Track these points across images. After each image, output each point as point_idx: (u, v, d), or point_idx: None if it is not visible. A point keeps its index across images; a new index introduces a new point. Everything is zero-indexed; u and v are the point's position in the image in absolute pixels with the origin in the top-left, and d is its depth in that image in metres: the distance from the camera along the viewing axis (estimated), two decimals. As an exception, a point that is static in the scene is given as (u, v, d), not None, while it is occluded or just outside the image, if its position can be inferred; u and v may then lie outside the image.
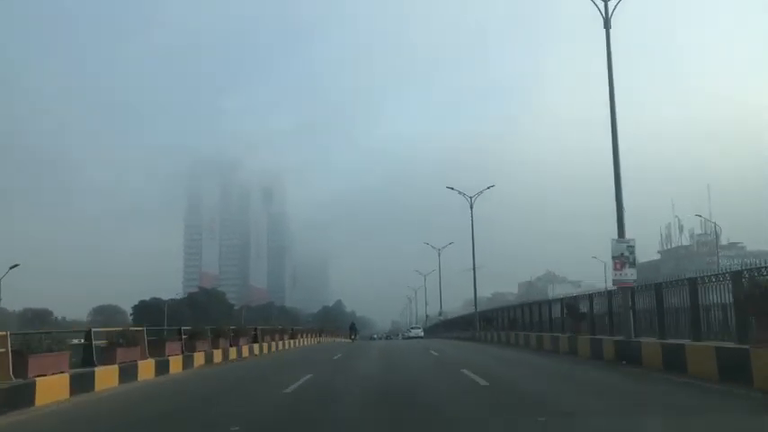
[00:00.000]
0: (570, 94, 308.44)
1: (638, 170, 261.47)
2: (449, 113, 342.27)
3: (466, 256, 40.56)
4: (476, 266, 36.78)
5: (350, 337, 48.27)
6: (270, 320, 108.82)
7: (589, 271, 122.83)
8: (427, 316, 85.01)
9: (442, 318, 60.67)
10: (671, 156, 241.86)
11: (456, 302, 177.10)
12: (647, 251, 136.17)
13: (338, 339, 58.97)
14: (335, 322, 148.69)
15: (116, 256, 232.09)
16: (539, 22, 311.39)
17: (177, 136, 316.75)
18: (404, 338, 67.44)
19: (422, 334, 64.26)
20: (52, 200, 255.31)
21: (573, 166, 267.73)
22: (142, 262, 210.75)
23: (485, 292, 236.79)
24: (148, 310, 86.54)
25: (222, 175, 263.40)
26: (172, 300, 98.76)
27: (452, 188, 36.95)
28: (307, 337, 38.98)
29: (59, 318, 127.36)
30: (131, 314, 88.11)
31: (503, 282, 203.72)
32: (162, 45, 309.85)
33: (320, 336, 45.33)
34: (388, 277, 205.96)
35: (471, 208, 36.44)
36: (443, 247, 60.92)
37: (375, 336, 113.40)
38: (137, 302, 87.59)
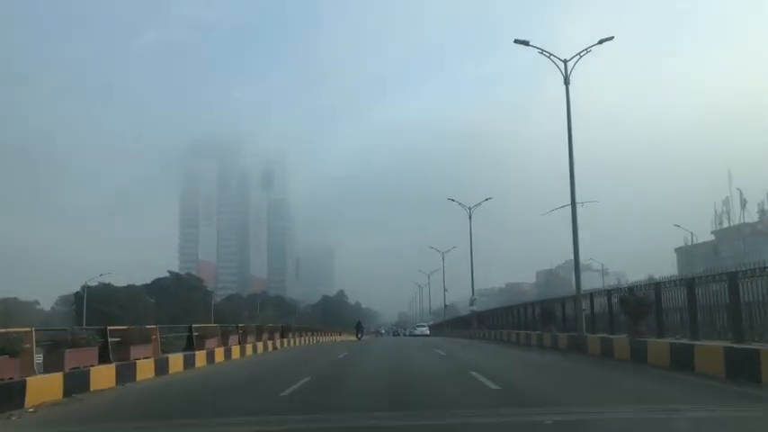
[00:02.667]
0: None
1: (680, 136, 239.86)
2: (463, 96, 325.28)
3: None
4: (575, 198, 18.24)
5: (356, 336, 47.31)
6: (255, 314, 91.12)
7: (613, 258, 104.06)
8: (446, 305, 66.60)
9: (475, 308, 41.59)
10: (726, 118, 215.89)
11: (467, 293, 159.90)
12: (698, 232, 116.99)
13: (323, 339, 41.15)
14: (337, 315, 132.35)
15: (110, 244, 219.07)
16: None
17: (175, 121, 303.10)
18: (409, 335, 65.64)
19: (427, 332, 60.94)
20: (44, 186, 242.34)
21: (595, 146, 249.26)
22: (137, 249, 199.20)
23: (497, 281, 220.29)
24: (93, 299, 68.60)
25: (220, 159, 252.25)
26: (131, 285, 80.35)
27: (536, 45, 18.20)
28: (255, 340, 20.75)
29: (47, 308, 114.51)
30: (73, 303, 69.42)
31: (518, 271, 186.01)
32: (167, 33, 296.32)
33: (279, 337, 26.80)
34: (395, 266, 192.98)
35: (567, 83, 17.92)
36: (476, 206, 42.15)
37: (382, 330, 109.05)
38: (78, 288, 69.42)
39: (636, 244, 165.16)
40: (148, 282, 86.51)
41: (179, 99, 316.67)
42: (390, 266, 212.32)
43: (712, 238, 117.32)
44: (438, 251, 65.32)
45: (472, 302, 41.76)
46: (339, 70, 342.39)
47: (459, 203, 42.27)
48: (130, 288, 79.65)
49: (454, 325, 56.92)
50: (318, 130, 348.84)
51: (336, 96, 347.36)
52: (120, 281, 77.81)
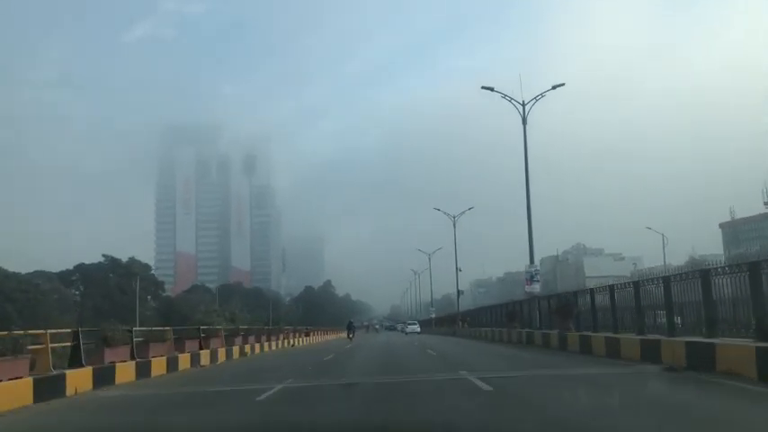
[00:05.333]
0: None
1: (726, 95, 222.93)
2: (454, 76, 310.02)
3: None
4: None
5: (347, 336, 45.47)
6: (212, 308, 72.53)
7: (627, 242, 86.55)
8: (461, 292, 48.65)
9: (536, 289, 21.22)
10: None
11: (461, 285, 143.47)
12: (744, 204, 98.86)
13: (264, 351, 22.78)
14: (323, 309, 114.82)
15: (82, 233, 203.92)
16: None
17: (153, 108, 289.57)
18: (401, 331, 65.32)
19: (418, 329, 60.18)
20: (13, 174, 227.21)
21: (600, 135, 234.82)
22: (110, 239, 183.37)
23: (494, 271, 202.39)
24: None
25: (200, 145, 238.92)
26: (38, 271, 60.33)
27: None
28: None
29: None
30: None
31: (518, 258, 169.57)
32: (153, 27, 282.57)
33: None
34: (388, 258, 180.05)
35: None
36: (534, 100, 23.25)
37: (377, 325, 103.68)
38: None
39: (674, 222, 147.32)
40: (70, 267, 66.93)
41: (159, 87, 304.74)
42: (383, 258, 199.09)
43: (765, 210, 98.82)
44: (448, 215, 48.37)
45: (533, 276, 22.45)
46: (326, 58, 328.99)
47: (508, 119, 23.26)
48: (36, 275, 59.92)
49: (476, 320, 38.46)
50: (304, 116, 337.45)
51: (323, 84, 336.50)
52: (28, 266, 59.01)
